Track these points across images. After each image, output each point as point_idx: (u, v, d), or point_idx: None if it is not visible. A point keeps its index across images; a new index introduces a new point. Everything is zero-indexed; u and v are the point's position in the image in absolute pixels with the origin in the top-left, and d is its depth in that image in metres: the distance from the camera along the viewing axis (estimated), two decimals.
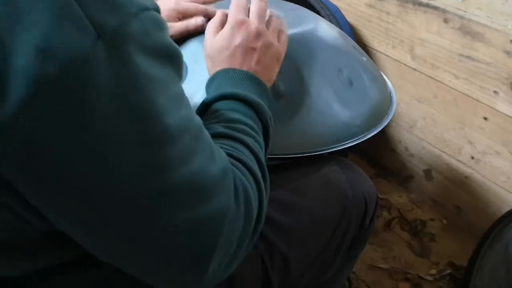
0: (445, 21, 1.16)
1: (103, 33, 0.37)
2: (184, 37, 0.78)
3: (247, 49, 0.65)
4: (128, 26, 0.38)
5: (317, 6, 1.32)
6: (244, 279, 0.66)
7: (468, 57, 1.14)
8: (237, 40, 0.65)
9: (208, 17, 0.76)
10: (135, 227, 0.42)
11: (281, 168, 0.78)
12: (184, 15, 0.78)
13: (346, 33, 1.07)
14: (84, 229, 0.43)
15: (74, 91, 0.36)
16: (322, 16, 1.25)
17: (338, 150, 0.77)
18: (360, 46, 0.97)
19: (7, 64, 0.35)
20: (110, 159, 0.39)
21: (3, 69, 0.35)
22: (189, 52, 0.76)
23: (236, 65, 0.64)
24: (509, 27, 1.07)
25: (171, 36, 0.46)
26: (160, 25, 0.43)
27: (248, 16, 0.68)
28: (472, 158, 1.24)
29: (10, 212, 0.42)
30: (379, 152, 1.52)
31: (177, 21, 0.78)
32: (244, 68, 0.64)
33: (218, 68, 0.64)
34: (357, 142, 0.78)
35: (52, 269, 0.50)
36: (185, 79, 0.76)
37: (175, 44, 0.45)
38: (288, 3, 0.91)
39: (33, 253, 0.48)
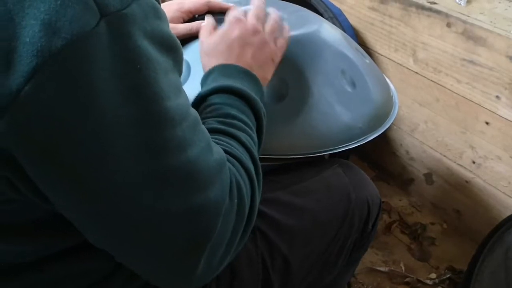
0: (448, 25, 1.16)
1: (106, 14, 0.38)
2: (188, 38, 0.78)
3: (243, 43, 0.67)
4: (129, 9, 0.40)
5: (320, 9, 1.32)
6: (244, 279, 0.66)
7: (470, 61, 1.14)
8: (234, 33, 0.67)
9: (212, 11, 0.78)
10: (130, 209, 0.42)
11: (283, 169, 0.78)
12: (188, 15, 0.79)
13: (349, 36, 1.07)
14: (78, 209, 0.43)
15: (77, 67, 0.37)
16: (325, 19, 1.25)
17: (340, 151, 0.77)
18: (362, 49, 0.97)
19: (17, 37, 0.36)
20: (108, 137, 0.39)
21: (14, 42, 0.36)
22: (192, 52, 0.76)
23: (233, 59, 0.65)
24: (511, 32, 1.07)
25: None
26: (158, 13, 0.43)
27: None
28: (473, 162, 1.24)
29: (10, 188, 0.42)
30: (380, 155, 1.52)
31: (181, 22, 0.79)
32: (240, 63, 0.65)
33: (215, 63, 0.65)
34: (359, 144, 0.78)
35: (49, 257, 0.50)
36: (187, 78, 0.76)
37: (175, 37, 0.45)
38: (292, 4, 0.91)
39: (31, 237, 0.48)
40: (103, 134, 0.39)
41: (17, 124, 0.37)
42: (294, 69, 0.77)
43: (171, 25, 0.76)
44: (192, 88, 0.67)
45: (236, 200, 0.50)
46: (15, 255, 0.50)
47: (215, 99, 0.59)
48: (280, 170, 0.78)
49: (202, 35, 0.71)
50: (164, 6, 0.78)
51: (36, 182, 0.41)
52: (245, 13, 0.71)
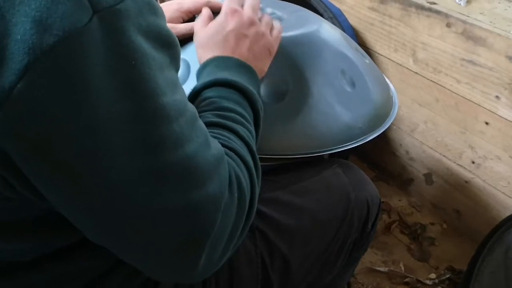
0: (448, 25, 1.17)
1: (99, 9, 0.38)
2: (187, 38, 0.78)
3: (239, 35, 0.66)
4: (123, 4, 0.39)
5: (320, 9, 1.32)
6: (244, 279, 0.66)
7: (470, 61, 1.14)
8: (230, 25, 0.66)
9: (212, 11, 0.78)
10: (125, 206, 0.42)
11: (283, 169, 0.78)
12: (188, 15, 0.79)
13: (349, 36, 1.07)
14: (73, 206, 0.43)
15: (69, 63, 0.37)
16: (325, 19, 1.25)
17: (339, 151, 0.77)
18: (362, 49, 0.97)
19: (8, 34, 0.36)
20: (102, 133, 0.39)
21: (5, 40, 0.36)
22: (192, 52, 0.76)
23: (229, 51, 0.64)
24: (511, 32, 1.07)
25: None
26: (154, 9, 0.43)
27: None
28: (473, 162, 1.24)
29: (5, 186, 0.42)
30: (380, 155, 1.52)
31: (181, 22, 0.79)
32: (236, 55, 0.64)
33: (210, 55, 0.64)
34: (358, 144, 0.78)
35: (47, 256, 0.50)
36: (187, 78, 0.76)
37: (172, 33, 0.45)
38: (292, 4, 0.91)
39: (27, 235, 0.48)
40: (97, 130, 0.39)
41: (10, 122, 0.37)
42: (294, 69, 0.77)
43: (170, 25, 0.76)
44: (191, 88, 0.67)
45: (236, 194, 0.49)
46: (14, 254, 0.50)
47: (211, 92, 0.59)
48: (279, 170, 0.78)
49: (197, 26, 0.70)
50: (163, 6, 0.78)
51: (30, 179, 0.40)
52: (241, 4, 0.70)
